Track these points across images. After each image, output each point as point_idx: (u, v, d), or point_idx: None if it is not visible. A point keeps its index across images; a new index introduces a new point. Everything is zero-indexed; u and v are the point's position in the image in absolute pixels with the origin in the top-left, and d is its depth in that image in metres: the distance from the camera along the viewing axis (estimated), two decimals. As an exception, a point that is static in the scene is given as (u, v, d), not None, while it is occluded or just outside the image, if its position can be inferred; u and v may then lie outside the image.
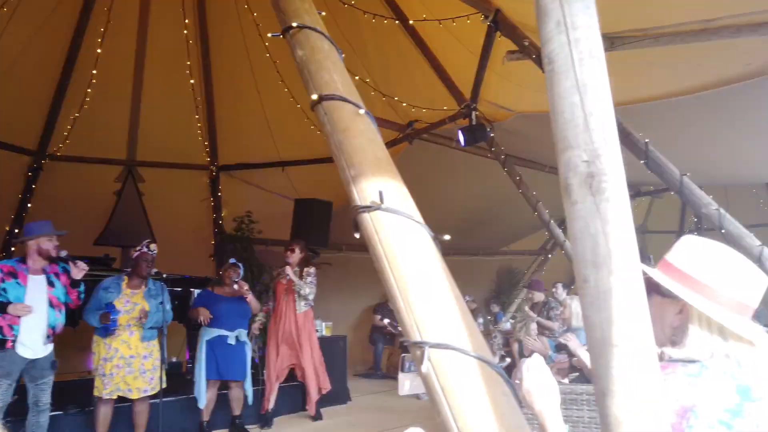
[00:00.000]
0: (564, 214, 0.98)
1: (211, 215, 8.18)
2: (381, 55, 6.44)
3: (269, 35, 2.05)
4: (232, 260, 5.23)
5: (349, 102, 1.54)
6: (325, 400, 5.88)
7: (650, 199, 10.95)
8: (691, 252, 1.32)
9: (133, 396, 4.16)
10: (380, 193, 1.29)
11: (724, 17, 3.71)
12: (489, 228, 9.84)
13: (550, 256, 11.40)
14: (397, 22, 5.39)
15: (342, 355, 6.62)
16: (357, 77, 5.91)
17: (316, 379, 5.41)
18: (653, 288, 1.32)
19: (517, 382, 1.22)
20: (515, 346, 6.62)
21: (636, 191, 9.99)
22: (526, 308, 7.89)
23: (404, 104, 6.37)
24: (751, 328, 1.25)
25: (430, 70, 6.17)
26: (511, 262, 11.73)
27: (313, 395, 5.37)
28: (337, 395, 6.25)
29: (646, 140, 3.95)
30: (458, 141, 6.19)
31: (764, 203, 11.19)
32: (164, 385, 4.30)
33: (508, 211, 8.73)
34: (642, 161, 3.99)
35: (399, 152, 7.17)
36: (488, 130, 6.16)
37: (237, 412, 4.95)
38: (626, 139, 4.02)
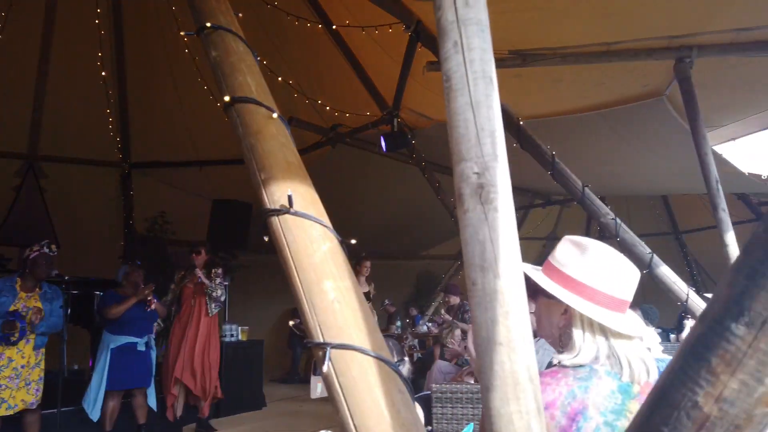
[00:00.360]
0: None
1: (121, 215, 7.80)
2: (306, 58, 6.43)
3: (182, 34, 2.02)
4: (138, 262, 5.02)
5: (263, 105, 1.55)
6: (239, 407, 5.76)
7: (560, 208, 11.60)
8: (570, 253, 1.37)
9: (19, 409, 3.86)
10: (289, 197, 1.31)
11: (623, 41, 4.02)
12: (409, 233, 10.04)
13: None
14: (320, 26, 5.41)
15: (258, 360, 6.52)
16: (280, 79, 5.87)
17: (214, 383, 5.31)
18: (540, 289, 1.40)
19: (434, 385, 1.27)
20: (437, 351, 6.81)
21: (547, 200, 10.55)
22: (443, 311, 8.12)
23: (328, 108, 6.40)
24: (628, 323, 1.35)
25: (354, 76, 6.24)
26: (430, 267, 12.01)
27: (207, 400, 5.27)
28: (253, 401, 6.15)
29: (553, 152, 4.20)
30: (380, 146, 6.29)
31: (660, 214, 12.18)
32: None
33: (428, 217, 8.96)
34: (549, 172, 4.23)
35: (322, 156, 7.18)
36: (409, 137, 6.31)
37: (142, 420, 4.74)
38: (535, 150, 4.25)
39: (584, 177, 4.60)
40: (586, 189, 4.16)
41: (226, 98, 1.56)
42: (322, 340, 1.12)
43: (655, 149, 5.94)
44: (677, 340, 7.51)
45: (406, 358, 2.33)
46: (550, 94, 5.14)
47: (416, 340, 8.59)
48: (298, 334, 8.50)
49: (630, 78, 4.67)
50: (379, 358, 1.08)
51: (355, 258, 7.05)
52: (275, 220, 1.33)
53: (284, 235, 1.30)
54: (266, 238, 1.38)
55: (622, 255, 1.37)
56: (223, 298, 5.33)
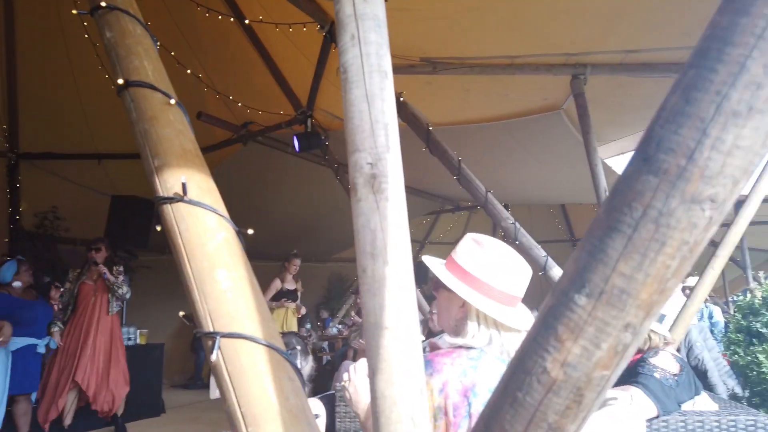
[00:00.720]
0: None
1: (6, 209, 7.16)
2: (217, 52, 6.24)
3: (75, 12, 1.90)
4: (20, 258, 4.64)
5: (159, 91, 1.49)
6: (137, 414, 5.47)
7: (468, 213, 12.04)
8: (470, 250, 1.48)
9: None
10: (183, 185, 1.27)
11: (526, 56, 4.27)
12: (321, 234, 10.00)
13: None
14: (232, 19, 5.28)
15: (157, 364, 6.22)
16: (189, 71, 5.66)
17: (123, 382, 5.04)
18: (442, 284, 1.47)
19: (339, 384, 1.28)
20: (350, 353, 6.82)
21: (456, 206, 10.92)
22: (353, 314, 8.16)
23: (239, 104, 6.24)
24: (518, 317, 1.45)
25: (268, 73, 6.14)
26: (341, 269, 12.03)
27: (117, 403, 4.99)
28: (150, 407, 5.86)
29: (459, 158, 4.36)
30: (293, 146, 6.22)
31: (559, 222, 12.97)
32: None
33: (340, 219, 8.97)
34: (455, 177, 4.39)
35: (232, 153, 7.00)
36: (323, 138, 6.29)
37: (26, 429, 4.38)
38: (443, 156, 4.40)
39: (488, 183, 4.81)
40: (489, 194, 4.35)
41: (120, 81, 1.49)
42: (212, 330, 1.10)
43: (553, 160, 6.33)
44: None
45: (310, 356, 2.33)
46: (459, 103, 5.34)
47: (326, 343, 8.57)
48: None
49: (532, 91, 4.96)
50: (270, 347, 1.08)
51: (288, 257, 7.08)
52: (168, 209, 1.29)
53: (177, 223, 1.26)
54: (159, 228, 1.33)
55: (517, 254, 1.47)
56: (128, 296, 5.08)
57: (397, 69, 4.68)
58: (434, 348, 1.49)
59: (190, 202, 1.26)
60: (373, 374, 0.96)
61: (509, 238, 4.30)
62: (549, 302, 0.62)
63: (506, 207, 9.94)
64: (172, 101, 1.49)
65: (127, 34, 1.61)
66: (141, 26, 1.65)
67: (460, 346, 1.40)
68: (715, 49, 0.50)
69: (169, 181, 1.31)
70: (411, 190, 8.26)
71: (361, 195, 1.02)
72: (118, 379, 4.97)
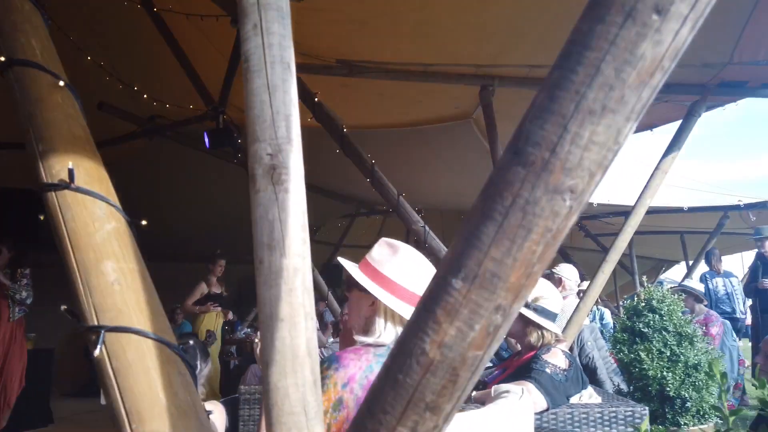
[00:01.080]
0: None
1: None
2: (123, 40, 5.91)
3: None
4: None
5: (48, 71, 1.40)
6: (21, 424, 5.04)
7: (383, 217, 12.18)
8: (384, 253, 1.56)
9: None
10: (70, 171, 1.20)
11: (438, 64, 4.40)
12: (234, 235, 9.72)
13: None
14: (139, 6, 5.03)
15: (45, 371, 5.77)
16: (89, 58, 5.32)
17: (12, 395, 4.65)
18: (354, 284, 1.53)
19: (244, 387, 1.25)
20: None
21: (371, 209, 11.02)
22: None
23: (145, 96, 5.94)
24: None
25: (178, 65, 5.89)
26: (252, 271, 11.72)
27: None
28: (37, 417, 5.42)
29: (373, 161, 4.41)
30: (203, 143, 6.01)
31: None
32: None
33: (251, 220, 8.75)
34: (368, 180, 4.43)
35: (137, 147, 6.65)
36: (236, 135, 6.12)
37: None
38: (357, 158, 4.43)
39: (401, 187, 4.91)
40: (401, 198, 4.43)
41: (2, 58, 1.38)
42: (96, 323, 1.05)
43: (463, 167, 6.56)
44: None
45: (209, 359, 2.26)
46: (374, 107, 5.41)
47: (234, 347, 8.31)
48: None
49: (444, 99, 5.12)
50: (159, 341, 1.04)
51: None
52: (52, 196, 1.21)
53: (62, 212, 1.19)
54: (42, 217, 1.25)
55: (426, 259, 1.56)
56: (29, 301, 4.71)
57: (312, 69, 4.67)
58: None
59: (77, 189, 1.19)
60: (266, 366, 0.95)
61: (420, 241, 4.41)
62: (430, 286, 0.65)
63: (419, 211, 10.16)
64: (61, 83, 1.40)
65: (13, 9, 1.49)
66: (30, 2, 1.54)
67: (369, 345, 1.45)
68: (576, 52, 0.54)
69: (54, 167, 1.22)
70: (326, 192, 8.25)
71: (260, 186, 1.01)
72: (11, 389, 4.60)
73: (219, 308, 6.68)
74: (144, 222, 1.28)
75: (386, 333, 1.48)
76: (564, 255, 10.22)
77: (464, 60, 4.29)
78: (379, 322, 1.48)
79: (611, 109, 0.53)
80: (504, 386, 1.90)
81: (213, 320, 6.56)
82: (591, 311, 8.11)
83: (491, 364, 4.43)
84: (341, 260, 1.59)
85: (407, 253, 1.55)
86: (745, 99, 4.44)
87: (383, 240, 1.59)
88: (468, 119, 5.37)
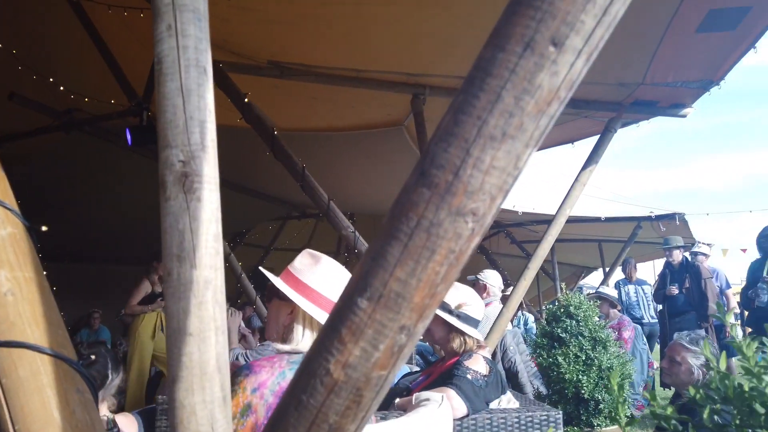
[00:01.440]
0: (234, 229, 1.03)
1: None
2: (39, 29, 5.54)
3: None
4: None
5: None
6: None
7: (314, 220, 12.09)
8: (306, 263, 1.56)
9: None
10: (-41, 172, 1.10)
11: (370, 71, 4.42)
12: (156, 237, 9.33)
13: (219, 269, 11.43)
14: (58, -6, 4.74)
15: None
16: (0, 46, 4.95)
17: None
18: (274, 292, 1.53)
19: (162, 397, 1.19)
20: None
21: (302, 213, 10.90)
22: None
23: (62, 88, 5.60)
24: None
25: (99, 58, 5.59)
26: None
27: None
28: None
29: (304, 165, 4.36)
30: (126, 139, 5.73)
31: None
32: None
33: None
34: (298, 184, 4.38)
35: (52, 142, 6.25)
36: (160, 133, 5.87)
37: None
38: (287, 161, 4.37)
39: (334, 192, 4.89)
40: (332, 203, 4.41)
41: None
42: (-17, 338, 0.96)
43: (395, 173, 6.61)
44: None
45: (121, 367, 2.15)
46: (306, 110, 5.36)
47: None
48: None
49: (376, 105, 5.15)
50: (56, 356, 0.97)
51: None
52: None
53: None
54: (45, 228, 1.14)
55: (346, 270, 1.58)
56: None
57: (243, 69, 4.56)
58: None
59: (-35, 190, 1.09)
60: (172, 382, 0.91)
61: (349, 246, 4.40)
62: (337, 305, 0.64)
63: (352, 216, 10.19)
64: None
65: None
66: None
67: (286, 352, 1.45)
68: (479, 78, 0.55)
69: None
70: (256, 194, 8.08)
71: (171, 194, 0.97)
72: None
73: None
74: (44, 228, 1.19)
75: (304, 341, 1.50)
76: (491, 261, 10.53)
77: (396, 68, 4.34)
78: (298, 330, 1.49)
79: (511, 136, 0.55)
80: (424, 394, 1.93)
81: (153, 321, 6.21)
82: (516, 316, 8.40)
83: (418, 369, 4.49)
84: (263, 270, 1.59)
85: (329, 263, 1.57)
86: (657, 117, 4.74)
87: (306, 251, 1.62)
88: (400, 126, 5.43)
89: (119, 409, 2.35)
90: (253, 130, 4.52)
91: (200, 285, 0.94)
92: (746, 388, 0.74)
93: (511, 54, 0.54)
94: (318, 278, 1.53)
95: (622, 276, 7.98)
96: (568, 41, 0.52)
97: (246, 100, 4.30)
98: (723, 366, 0.78)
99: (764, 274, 5.57)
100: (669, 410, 0.76)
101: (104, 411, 2.06)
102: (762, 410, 0.72)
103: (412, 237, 0.58)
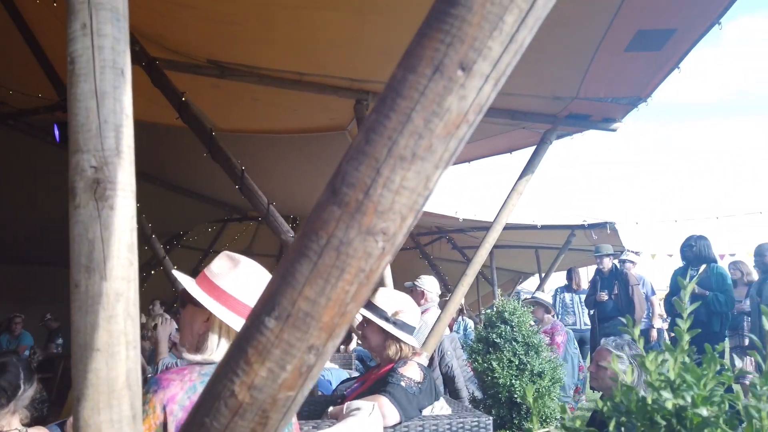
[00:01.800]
0: (171, 231, 0.97)
1: None
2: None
3: None
4: None
5: None
6: None
7: (255, 223, 11.87)
8: (224, 267, 1.48)
9: None
10: None
11: (313, 74, 4.39)
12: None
13: (153, 272, 11.04)
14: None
15: None
16: None
17: None
18: (189, 298, 1.44)
19: None
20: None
21: (243, 215, 10.68)
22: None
23: (-17, 80, 5.26)
24: None
25: (27, 50, 5.29)
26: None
27: None
28: None
29: (243, 167, 4.27)
30: (53, 136, 5.45)
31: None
32: None
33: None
34: (237, 186, 4.29)
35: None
36: (92, 130, 5.61)
37: None
38: (225, 163, 4.27)
39: (275, 196, 4.80)
40: (271, 206, 4.34)
41: None
42: None
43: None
44: (346, 350, 8.38)
45: (35, 377, 2.03)
46: (248, 111, 5.26)
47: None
48: None
49: (319, 109, 5.11)
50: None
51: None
52: None
53: None
54: None
55: (263, 270, 1.50)
56: None
57: (181, 67, 4.43)
58: None
59: None
60: (77, 401, 0.86)
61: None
62: (245, 325, 0.62)
63: (294, 220, 10.06)
64: None
65: None
66: None
67: (197, 363, 1.39)
68: (390, 98, 0.55)
69: None
70: (194, 195, 7.86)
71: (80, 201, 0.92)
72: None
73: None
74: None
75: (219, 350, 1.41)
76: (432, 266, 10.67)
77: (339, 73, 4.32)
78: (213, 339, 1.41)
79: (420, 157, 0.55)
80: (355, 403, 1.92)
81: None
82: (456, 322, 8.54)
83: (358, 374, 4.47)
84: (175, 273, 1.50)
85: (248, 266, 1.48)
86: (590, 130, 4.94)
87: (224, 253, 1.51)
88: (343, 131, 5.41)
89: (41, 421, 2.22)
90: (190, 130, 4.39)
91: (110, 297, 0.90)
92: (649, 401, 0.77)
93: (421, 76, 0.54)
94: (236, 283, 1.44)
95: (565, 283, 8.29)
96: (476, 66, 0.53)
97: (183, 99, 4.17)
98: (629, 379, 0.81)
99: (686, 282, 5.90)
100: (578, 423, 0.78)
101: (15, 424, 1.94)
102: (663, 422, 0.75)
103: (321, 255, 0.57)
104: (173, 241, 10.86)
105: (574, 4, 2.92)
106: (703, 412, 0.65)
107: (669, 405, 0.70)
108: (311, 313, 0.58)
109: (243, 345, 0.60)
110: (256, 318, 0.60)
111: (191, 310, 1.45)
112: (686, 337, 0.84)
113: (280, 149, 5.78)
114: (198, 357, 1.37)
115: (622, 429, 0.81)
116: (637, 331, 0.87)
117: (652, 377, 0.74)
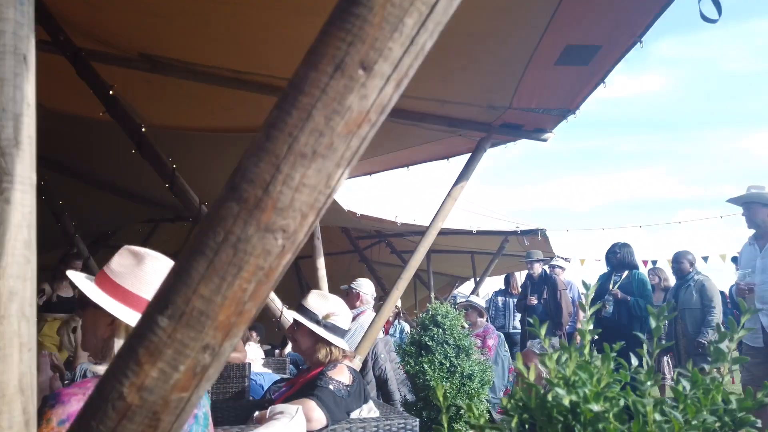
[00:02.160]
0: (97, 230, 0.90)
1: None
2: None
3: None
4: None
5: None
6: None
7: (190, 225, 11.51)
8: (126, 263, 1.38)
9: None
10: None
11: (252, 73, 4.30)
12: None
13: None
14: None
15: None
16: None
17: None
18: (88, 301, 1.33)
19: None
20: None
21: (176, 215, 10.33)
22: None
23: None
24: None
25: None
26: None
27: None
28: None
29: (174, 165, 4.14)
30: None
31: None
32: None
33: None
34: (167, 185, 4.15)
35: None
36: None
37: None
38: (155, 160, 4.12)
39: (210, 196, 4.66)
40: (203, 206, 4.22)
41: None
42: None
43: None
44: (281, 355, 8.26)
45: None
46: (182, 108, 5.10)
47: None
48: None
49: (257, 109, 5.02)
50: None
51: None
52: None
53: None
54: None
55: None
56: None
57: (109, 59, 4.24)
58: None
59: None
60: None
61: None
62: (138, 324, 0.60)
63: (230, 221, 9.82)
64: None
65: None
66: None
67: (98, 376, 1.30)
68: (292, 95, 0.55)
69: None
70: (123, 193, 7.54)
71: (-30, 193, 0.86)
72: None
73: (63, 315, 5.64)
74: None
75: None
76: (371, 270, 10.69)
77: (278, 72, 4.26)
78: (119, 344, 1.32)
79: (321, 155, 0.55)
80: (279, 407, 1.89)
81: (54, 329, 5.51)
82: (392, 325, 8.58)
83: (290, 376, 4.41)
84: (70, 274, 1.38)
85: (154, 262, 1.38)
86: (522, 139, 5.10)
87: (125, 248, 1.40)
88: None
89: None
90: (118, 125, 4.21)
91: (4, 296, 0.84)
92: (549, 398, 0.80)
93: (323, 74, 0.54)
94: (142, 281, 1.34)
95: (502, 287, 8.53)
96: (377, 66, 0.53)
97: (111, 92, 3.99)
98: (531, 377, 0.84)
99: (610, 286, 6.20)
100: (482, 420, 0.80)
101: None
102: (561, 418, 0.78)
103: (218, 253, 0.56)
104: (99, 242, 10.36)
105: (507, 16, 3.01)
106: (595, 407, 0.68)
107: (566, 401, 0.73)
108: (206, 311, 0.57)
109: (134, 345, 0.58)
110: (149, 317, 0.58)
111: (92, 313, 1.35)
112: (588, 337, 0.87)
113: (216, 148, 5.64)
114: (101, 368, 1.28)
115: (526, 426, 0.83)
116: (543, 330, 0.90)
117: (552, 375, 0.77)
